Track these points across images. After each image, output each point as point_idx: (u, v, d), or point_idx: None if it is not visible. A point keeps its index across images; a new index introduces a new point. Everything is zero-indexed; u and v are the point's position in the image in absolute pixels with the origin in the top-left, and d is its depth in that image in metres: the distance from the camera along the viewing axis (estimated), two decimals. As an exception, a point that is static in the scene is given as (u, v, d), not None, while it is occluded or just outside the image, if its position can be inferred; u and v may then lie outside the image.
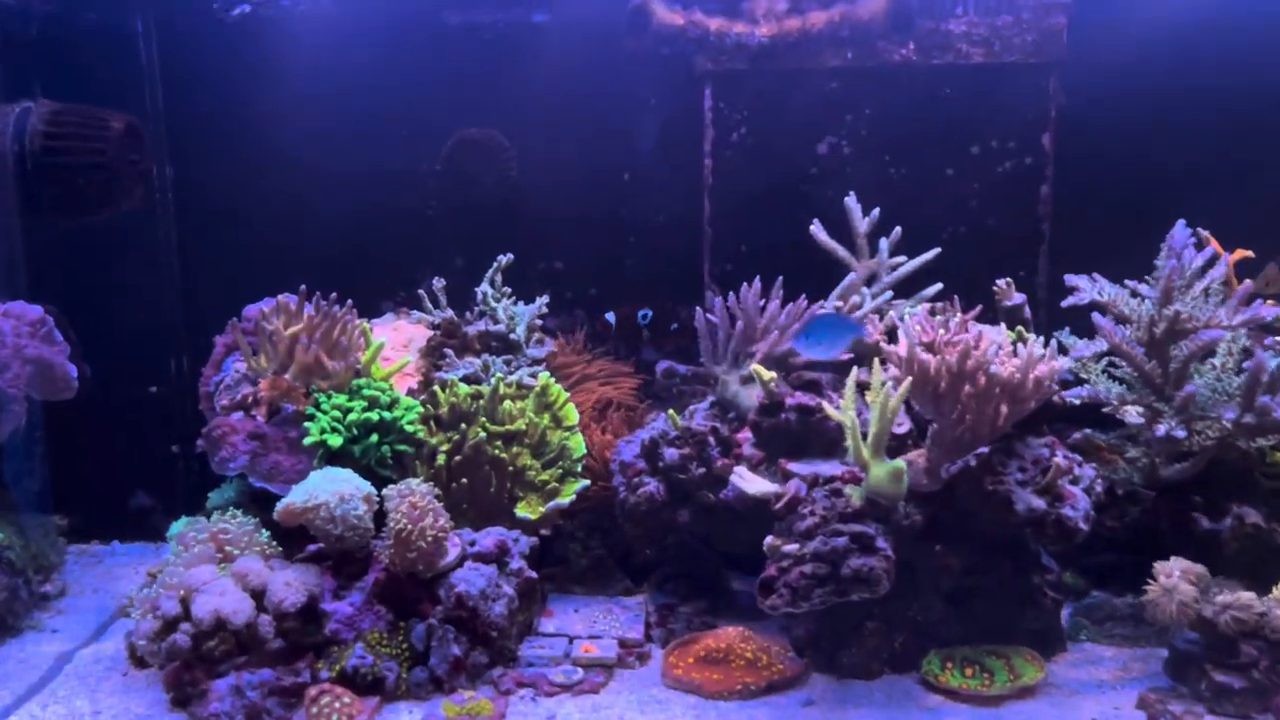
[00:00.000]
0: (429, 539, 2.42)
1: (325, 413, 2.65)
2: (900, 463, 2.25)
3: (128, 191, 2.84)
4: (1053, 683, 2.41)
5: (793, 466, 2.45)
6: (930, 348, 2.29)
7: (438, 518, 2.45)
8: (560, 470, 2.81)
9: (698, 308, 2.77)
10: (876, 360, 2.31)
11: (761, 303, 2.72)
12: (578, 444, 2.84)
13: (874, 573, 2.21)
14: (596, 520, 2.94)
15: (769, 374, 2.45)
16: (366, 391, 2.70)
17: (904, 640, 2.46)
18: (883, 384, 2.27)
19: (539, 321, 3.12)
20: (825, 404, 2.39)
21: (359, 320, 2.81)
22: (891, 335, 2.64)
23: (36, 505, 3.22)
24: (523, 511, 2.74)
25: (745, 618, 2.76)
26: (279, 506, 2.46)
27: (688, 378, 2.93)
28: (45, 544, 3.08)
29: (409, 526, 2.40)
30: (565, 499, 2.75)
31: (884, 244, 2.80)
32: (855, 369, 2.39)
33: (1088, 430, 2.67)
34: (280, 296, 2.79)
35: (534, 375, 2.92)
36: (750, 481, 2.41)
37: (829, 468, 2.44)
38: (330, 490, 2.45)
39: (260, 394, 2.75)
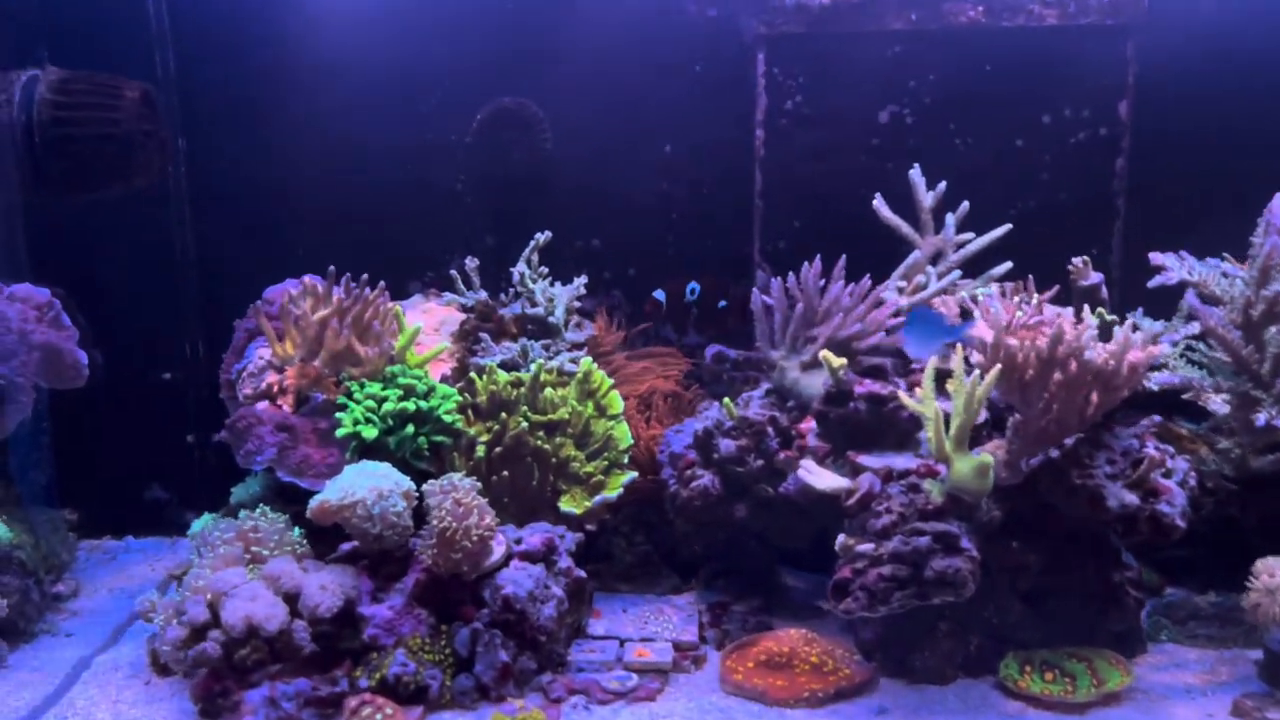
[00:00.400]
0: (475, 538, 2.26)
1: (358, 402, 2.48)
2: (987, 456, 2.09)
3: (144, 165, 2.63)
4: (1138, 687, 2.26)
5: (863, 459, 2.29)
6: (1008, 331, 2.13)
7: (483, 515, 2.29)
8: (606, 461, 2.65)
9: (755, 289, 2.59)
10: (958, 346, 2.14)
11: (821, 283, 2.55)
12: (623, 434, 2.67)
13: (960, 575, 2.05)
14: (641, 514, 2.78)
15: (839, 360, 2.28)
16: (402, 379, 2.53)
17: (979, 643, 2.31)
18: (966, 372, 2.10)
19: (577, 303, 2.94)
20: (901, 393, 2.22)
21: (391, 303, 2.63)
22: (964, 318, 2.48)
23: (44, 500, 3.06)
24: (567, 506, 2.58)
25: (801, 617, 2.63)
26: (313, 504, 2.30)
27: (739, 363, 2.76)
28: (55, 541, 2.91)
29: (454, 525, 2.24)
30: (613, 493, 2.59)
31: (950, 219, 2.63)
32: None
33: (1157, 417, 2.51)
34: (306, 278, 2.61)
35: (575, 361, 2.75)
36: (819, 475, 2.25)
37: (902, 461, 2.28)
38: (367, 486, 2.28)
39: (287, 382, 2.58)
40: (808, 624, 2.56)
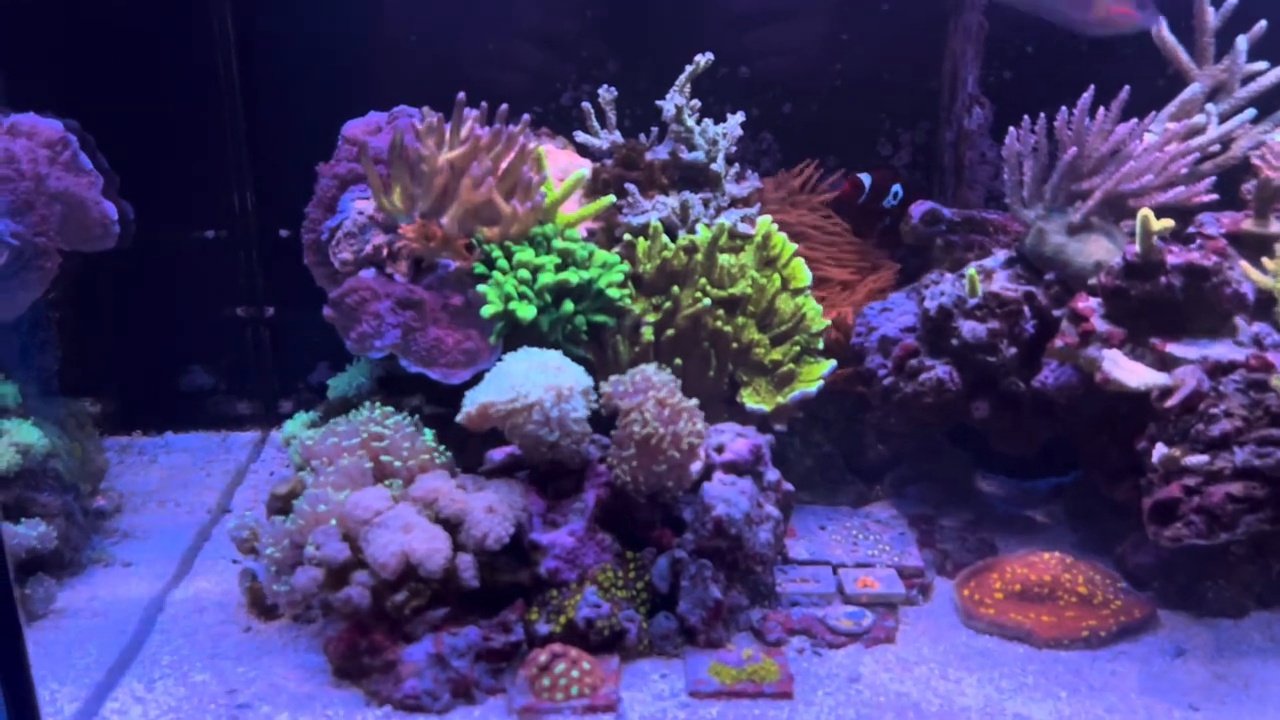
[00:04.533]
0: (685, 447, 1.75)
1: (506, 273, 1.91)
2: (1376, 347, 1.62)
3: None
4: None
5: (1173, 349, 1.81)
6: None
7: (693, 419, 1.77)
8: (795, 347, 2.13)
9: (1012, 128, 2.04)
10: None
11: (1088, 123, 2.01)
12: (815, 312, 2.15)
13: (1338, 496, 1.62)
14: (818, 409, 2.29)
15: (1163, 222, 1.77)
16: (558, 244, 1.96)
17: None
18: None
19: (733, 149, 2.36)
20: (1243, 263, 1.73)
21: (534, 143, 2.04)
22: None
23: (63, 390, 2.45)
24: (754, 402, 2.08)
25: (1012, 530, 2.24)
26: (470, 405, 1.76)
27: (957, 224, 2.23)
28: (85, 442, 2.33)
29: (660, 431, 1.72)
30: (812, 386, 2.08)
31: (1241, 43, 2.08)
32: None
33: None
34: (424, 110, 1.98)
35: (749, 221, 2.20)
36: (1129, 369, 1.77)
37: (1221, 350, 1.81)
38: (543, 384, 1.74)
39: (404, 245, 1.99)
40: (1020, 538, 2.17)
